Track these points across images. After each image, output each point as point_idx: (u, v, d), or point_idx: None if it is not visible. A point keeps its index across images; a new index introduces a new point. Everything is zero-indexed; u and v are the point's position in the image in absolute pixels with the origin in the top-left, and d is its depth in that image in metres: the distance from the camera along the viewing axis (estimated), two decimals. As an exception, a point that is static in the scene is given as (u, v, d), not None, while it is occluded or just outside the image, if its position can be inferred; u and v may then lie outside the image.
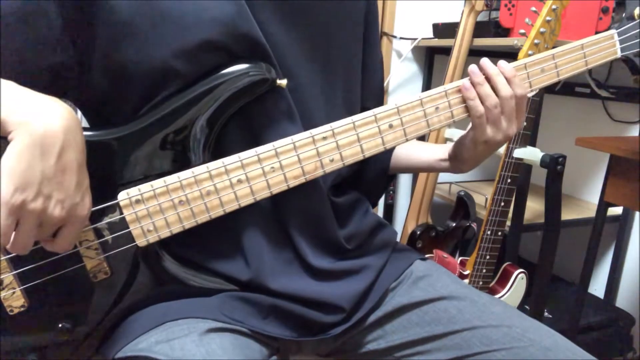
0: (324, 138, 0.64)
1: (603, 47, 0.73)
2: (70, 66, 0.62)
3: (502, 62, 0.68)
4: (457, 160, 0.76)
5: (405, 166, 0.85)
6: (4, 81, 0.53)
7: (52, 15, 0.59)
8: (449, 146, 0.78)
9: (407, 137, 0.67)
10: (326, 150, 0.65)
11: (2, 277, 0.58)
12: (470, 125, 0.71)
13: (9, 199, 0.48)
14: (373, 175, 0.85)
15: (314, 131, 0.64)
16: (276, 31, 0.66)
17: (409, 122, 0.67)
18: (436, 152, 0.80)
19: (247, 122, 0.65)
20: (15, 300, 0.59)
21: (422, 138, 0.69)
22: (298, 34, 0.68)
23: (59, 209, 0.52)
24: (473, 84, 0.67)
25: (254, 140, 0.65)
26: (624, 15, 0.76)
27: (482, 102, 0.67)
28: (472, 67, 0.68)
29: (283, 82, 0.64)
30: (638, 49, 0.75)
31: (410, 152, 0.84)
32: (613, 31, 0.74)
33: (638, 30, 0.74)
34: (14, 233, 0.51)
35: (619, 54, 0.75)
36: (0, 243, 0.50)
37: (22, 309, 0.59)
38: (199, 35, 0.60)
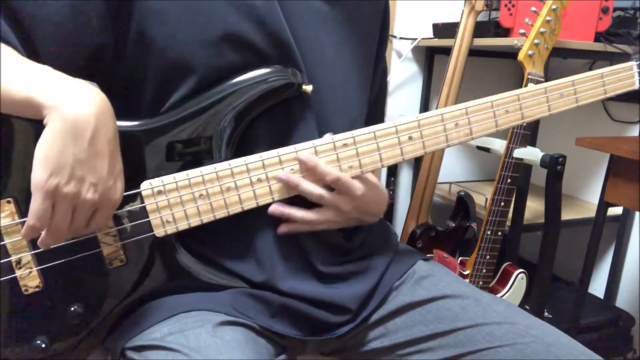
0: (345, 145, 0.65)
1: (622, 77, 0.76)
2: (107, 47, 0.62)
3: (299, 154, 0.64)
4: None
5: None
6: (40, 65, 0.54)
7: None
8: None
9: (425, 149, 0.68)
10: (346, 156, 0.66)
11: (20, 255, 0.59)
12: None
13: (44, 184, 0.50)
14: None
15: (335, 137, 0.65)
16: (305, 33, 0.66)
17: (429, 136, 0.68)
18: None
19: (271, 124, 0.66)
20: (31, 280, 0.60)
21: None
22: (327, 37, 0.69)
23: (92, 192, 0.53)
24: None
25: (277, 141, 0.66)
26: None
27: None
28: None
29: (309, 87, 0.65)
30: None
31: None
32: (633, 63, 0.77)
33: None
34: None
35: (636, 86, 0.78)
36: (33, 226, 0.51)
37: (37, 289, 0.60)
38: (227, 27, 0.61)
